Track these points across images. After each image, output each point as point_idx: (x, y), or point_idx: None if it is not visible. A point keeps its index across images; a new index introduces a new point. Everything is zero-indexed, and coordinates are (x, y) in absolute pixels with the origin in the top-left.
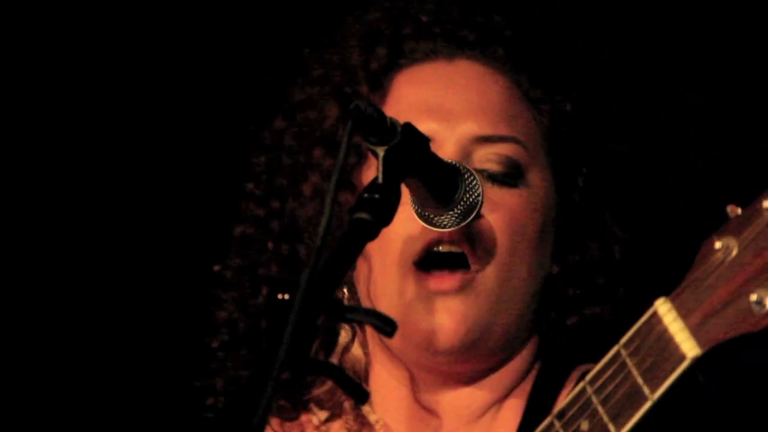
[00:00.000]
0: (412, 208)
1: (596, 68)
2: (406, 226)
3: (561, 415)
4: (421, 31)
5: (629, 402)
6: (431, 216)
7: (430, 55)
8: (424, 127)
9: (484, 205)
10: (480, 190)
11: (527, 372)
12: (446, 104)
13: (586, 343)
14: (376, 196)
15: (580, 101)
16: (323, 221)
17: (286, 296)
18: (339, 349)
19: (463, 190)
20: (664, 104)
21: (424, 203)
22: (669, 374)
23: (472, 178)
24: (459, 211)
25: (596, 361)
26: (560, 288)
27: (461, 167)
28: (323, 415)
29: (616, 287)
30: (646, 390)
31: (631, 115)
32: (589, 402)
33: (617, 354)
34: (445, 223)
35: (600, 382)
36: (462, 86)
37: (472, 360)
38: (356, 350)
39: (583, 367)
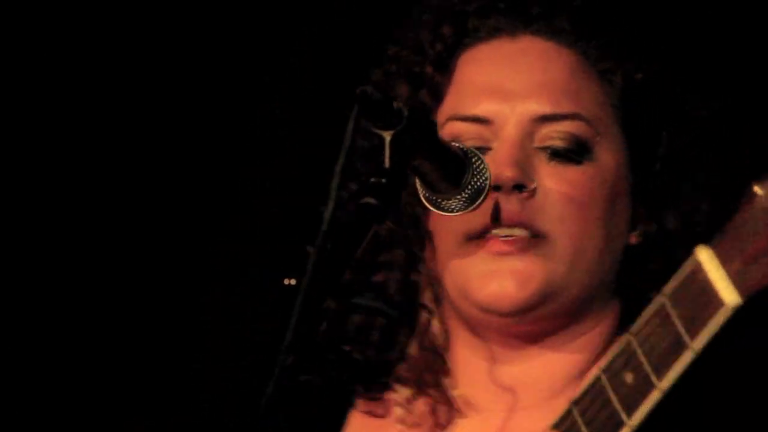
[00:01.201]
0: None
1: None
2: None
3: (607, 368)
4: (485, 7)
5: (672, 352)
6: (438, 200)
7: (493, 33)
8: (485, 108)
9: (546, 182)
10: (488, 173)
11: (610, 344)
12: (507, 84)
13: None
14: (383, 180)
15: (655, 68)
16: (329, 206)
17: (293, 281)
18: (421, 328)
19: (470, 174)
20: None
21: (432, 187)
22: (708, 322)
23: (479, 162)
24: (467, 195)
25: None
26: (641, 260)
27: (469, 151)
28: (406, 392)
29: None
30: (686, 339)
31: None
32: (634, 354)
33: (661, 305)
34: (452, 207)
35: (644, 333)
36: (524, 65)
37: (543, 320)
38: (436, 326)
39: None
